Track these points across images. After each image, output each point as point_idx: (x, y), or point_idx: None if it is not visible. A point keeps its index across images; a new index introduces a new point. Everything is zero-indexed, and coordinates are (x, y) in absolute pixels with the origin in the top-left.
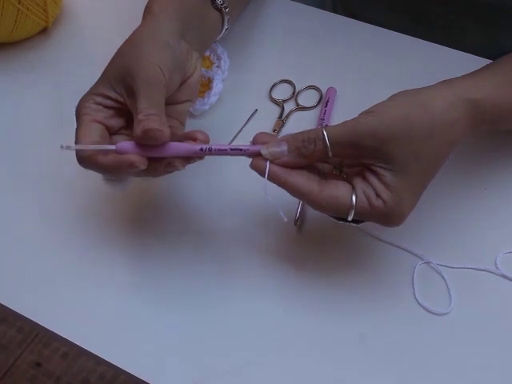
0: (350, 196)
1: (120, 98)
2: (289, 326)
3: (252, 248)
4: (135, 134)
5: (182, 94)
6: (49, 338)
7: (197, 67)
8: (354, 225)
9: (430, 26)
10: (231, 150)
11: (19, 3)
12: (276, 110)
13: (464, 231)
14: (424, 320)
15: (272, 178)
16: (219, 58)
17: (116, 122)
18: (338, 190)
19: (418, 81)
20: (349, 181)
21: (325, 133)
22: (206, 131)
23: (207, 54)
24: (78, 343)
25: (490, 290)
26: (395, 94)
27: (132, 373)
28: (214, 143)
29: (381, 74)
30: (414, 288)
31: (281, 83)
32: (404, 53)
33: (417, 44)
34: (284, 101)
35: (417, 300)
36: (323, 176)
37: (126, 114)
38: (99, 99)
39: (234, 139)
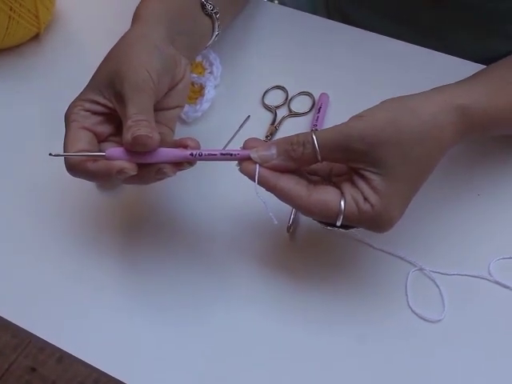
0: (338, 201)
1: (109, 104)
2: (282, 334)
3: (244, 255)
4: (125, 140)
5: (171, 99)
6: (44, 343)
7: (186, 73)
8: (343, 230)
9: (423, 33)
10: (221, 154)
11: (10, 10)
12: (269, 116)
13: (457, 238)
14: (417, 327)
15: (262, 182)
16: (211, 64)
17: (105, 129)
18: (328, 195)
19: (410, 86)
20: (338, 187)
21: (314, 136)
22: (199, 138)
23: (199, 59)
24: (71, 352)
25: (483, 297)
26: (386, 100)
27: (124, 381)
28: (205, 148)
29: (374, 79)
30: (407, 295)
31: (273, 89)
32: (397, 58)
33: (410, 49)
34: (277, 107)
35: (410, 307)
36: (312, 183)
37: (115, 121)
38: (88, 105)
39: (226, 146)
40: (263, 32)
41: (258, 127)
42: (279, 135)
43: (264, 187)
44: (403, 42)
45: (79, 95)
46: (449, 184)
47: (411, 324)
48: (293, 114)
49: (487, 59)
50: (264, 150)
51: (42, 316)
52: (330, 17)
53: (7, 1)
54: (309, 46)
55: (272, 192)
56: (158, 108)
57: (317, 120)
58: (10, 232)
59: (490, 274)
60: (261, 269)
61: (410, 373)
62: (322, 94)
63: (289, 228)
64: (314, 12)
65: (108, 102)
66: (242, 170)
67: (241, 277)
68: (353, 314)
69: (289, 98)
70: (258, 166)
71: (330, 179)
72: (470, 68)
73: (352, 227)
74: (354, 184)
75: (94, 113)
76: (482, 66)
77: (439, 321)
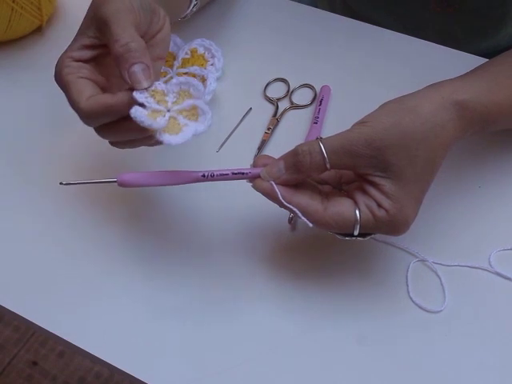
0: (353, 211)
1: (96, 41)
2: (284, 327)
3: (245, 246)
4: (122, 74)
5: (151, 51)
6: (45, 337)
7: (165, 24)
8: (361, 239)
9: (425, 29)
10: (233, 174)
11: (13, 2)
12: (270, 108)
13: (458, 229)
14: (418, 318)
15: (276, 199)
16: (213, 57)
17: (101, 79)
18: (342, 206)
19: (411, 78)
20: (350, 196)
21: (321, 144)
22: None
23: (202, 52)
24: (73, 342)
25: (483, 288)
26: (385, 103)
27: (127, 371)
28: (216, 169)
29: (375, 72)
30: (408, 286)
31: (275, 82)
32: (398, 51)
33: (411, 42)
34: (278, 99)
35: (411, 298)
36: (324, 195)
37: (109, 65)
38: (76, 54)
39: (228, 138)
40: (265, 25)
41: (259, 119)
42: (281, 127)
43: (278, 204)
44: (405, 35)
45: (65, 50)
46: (450, 176)
47: (412, 315)
48: (294, 107)
49: (488, 53)
50: (272, 166)
51: (45, 307)
52: (333, 8)
53: None
54: (310, 39)
55: (287, 209)
56: None
57: (318, 112)
58: (11, 224)
59: (490, 265)
60: (262, 260)
61: (410, 363)
62: (324, 87)
63: (290, 219)
64: (315, 5)
65: (94, 39)
66: (255, 188)
67: (242, 269)
68: (354, 304)
69: (290, 90)
70: (274, 184)
71: (340, 188)
72: (470, 61)
73: (369, 234)
74: (365, 192)
75: (85, 61)
76: (482, 59)
77: (440, 311)
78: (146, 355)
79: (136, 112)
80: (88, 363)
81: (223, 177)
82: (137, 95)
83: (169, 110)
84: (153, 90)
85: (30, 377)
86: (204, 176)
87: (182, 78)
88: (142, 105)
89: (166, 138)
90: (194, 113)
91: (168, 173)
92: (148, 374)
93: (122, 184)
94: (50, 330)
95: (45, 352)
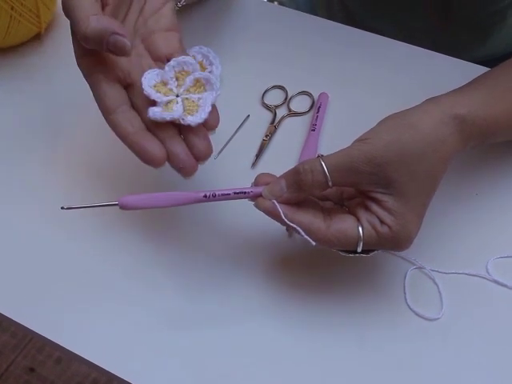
0: (356, 228)
1: None
2: (282, 336)
3: (243, 256)
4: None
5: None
6: (42, 344)
7: None
8: (364, 255)
9: (421, 36)
10: (235, 193)
11: (12, 9)
12: (268, 115)
13: (455, 236)
14: (415, 325)
15: (278, 218)
16: (211, 64)
17: None
18: (345, 224)
19: (410, 87)
20: (352, 213)
21: (322, 162)
22: None
23: (199, 59)
24: (70, 349)
25: (481, 295)
26: (385, 118)
27: (124, 378)
28: (218, 189)
29: (373, 79)
30: (405, 293)
31: (273, 89)
32: (396, 58)
33: (409, 50)
34: (276, 106)
35: (408, 305)
36: (327, 212)
37: None
38: None
39: (226, 145)
40: (263, 32)
41: (257, 126)
42: (279, 134)
43: (280, 222)
44: (403, 43)
45: None
46: (447, 183)
47: (409, 322)
48: (292, 114)
49: (487, 61)
50: (273, 185)
51: (42, 313)
52: (329, 17)
53: (8, 0)
54: (308, 46)
55: (289, 227)
56: (148, 12)
57: (316, 119)
58: (10, 230)
59: (488, 272)
60: (259, 269)
61: (408, 370)
62: (322, 94)
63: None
64: (314, 13)
65: None
66: (257, 207)
67: (240, 278)
68: (351, 312)
69: (288, 97)
70: (276, 202)
71: (341, 203)
72: (470, 68)
73: (372, 251)
74: (367, 208)
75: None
76: (481, 67)
77: (437, 319)
78: (144, 362)
79: (153, 113)
80: (85, 369)
81: (225, 197)
82: (152, 109)
83: (178, 96)
84: (155, 86)
85: (28, 383)
86: (206, 196)
87: (172, 62)
88: (153, 103)
89: (190, 119)
90: (199, 85)
91: (169, 194)
92: (146, 381)
93: (123, 207)
94: (47, 337)
95: (42, 358)
